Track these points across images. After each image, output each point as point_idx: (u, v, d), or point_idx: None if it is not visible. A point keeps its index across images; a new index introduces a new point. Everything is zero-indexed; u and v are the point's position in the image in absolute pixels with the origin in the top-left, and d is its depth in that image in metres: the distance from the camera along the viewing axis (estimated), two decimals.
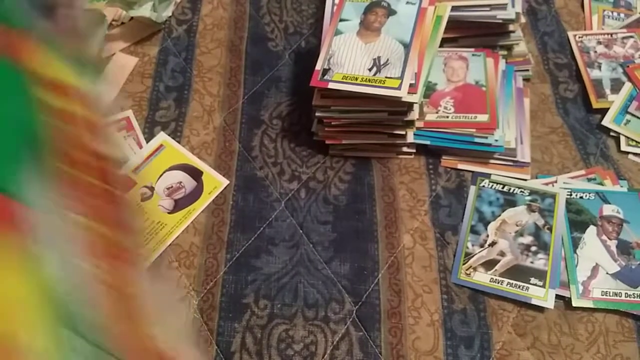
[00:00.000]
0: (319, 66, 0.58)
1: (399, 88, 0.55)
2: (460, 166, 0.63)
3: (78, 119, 0.32)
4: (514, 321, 0.53)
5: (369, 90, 0.55)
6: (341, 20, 0.62)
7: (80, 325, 0.23)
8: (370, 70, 0.57)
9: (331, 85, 0.56)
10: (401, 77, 0.56)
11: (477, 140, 0.61)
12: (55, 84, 0.32)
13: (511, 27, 0.68)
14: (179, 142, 0.63)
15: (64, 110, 0.32)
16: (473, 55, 0.67)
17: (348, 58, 0.58)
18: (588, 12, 0.80)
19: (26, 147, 0.28)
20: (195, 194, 0.59)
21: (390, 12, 0.62)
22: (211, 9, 0.76)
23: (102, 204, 0.30)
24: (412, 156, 0.63)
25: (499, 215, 0.59)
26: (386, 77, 0.56)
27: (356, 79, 0.56)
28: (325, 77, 0.57)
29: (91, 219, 0.28)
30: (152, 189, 0.59)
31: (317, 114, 0.59)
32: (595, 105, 0.69)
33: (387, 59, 0.58)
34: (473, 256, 0.56)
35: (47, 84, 0.32)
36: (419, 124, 0.61)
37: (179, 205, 0.58)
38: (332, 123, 0.59)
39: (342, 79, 0.57)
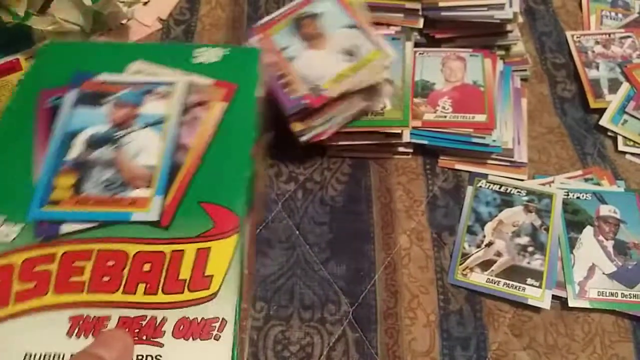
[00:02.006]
0: (304, 91, 0.56)
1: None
2: (458, 166, 0.63)
3: None
4: (510, 322, 0.53)
5: (362, 73, 0.56)
6: (282, 49, 0.60)
7: None
8: (348, 58, 0.57)
9: (330, 93, 0.55)
10: (378, 46, 0.57)
11: (474, 140, 0.61)
12: None
13: (509, 27, 0.68)
14: None
15: None
16: (471, 55, 0.67)
17: (321, 67, 0.58)
18: (586, 12, 0.80)
19: None
20: None
21: (316, 16, 0.62)
22: (209, 10, 0.76)
23: None
24: (409, 156, 0.63)
25: (496, 216, 0.59)
26: (366, 56, 0.57)
27: (342, 75, 0.56)
28: (320, 93, 0.56)
29: None
30: None
31: (302, 139, 0.57)
32: (593, 105, 0.69)
33: (351, 43, 0.58)
34: (470, 257, 0.56)
35: None
36: (417, 123, 0.62)
37: None
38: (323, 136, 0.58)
39: (335, 82, 0.56)
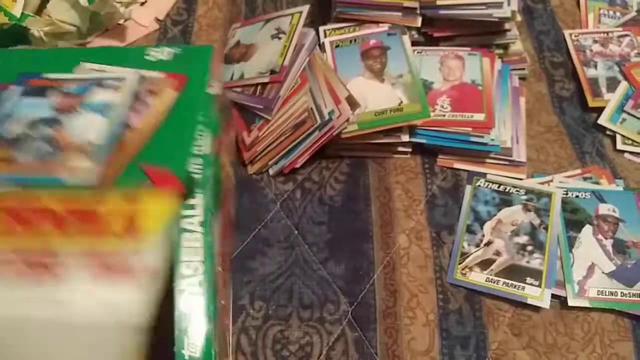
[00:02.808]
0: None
1: None
2: (456, 165, 0.63)
3: None
4: (509, 321, 0.53)
5: None
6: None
7: None
8: None
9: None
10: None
11: (473, 139, 0.61)
12: None
13: (507, 26, 0.67)
14: None
15: None
16: (469, 54, 0.67)
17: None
18: (584, 11, 0.80)
19: None
20: None
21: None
22: (206, 10, 0.76)
23: None
24: (408, 155, 0.63)
25: (495, 215, 0.59)
26: None
27: None
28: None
29: None
30: None
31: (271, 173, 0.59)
32: (591, 104, 0.69)
33: None
34: (469, 256, 0.56)
35: None
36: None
37: None
38: None
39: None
